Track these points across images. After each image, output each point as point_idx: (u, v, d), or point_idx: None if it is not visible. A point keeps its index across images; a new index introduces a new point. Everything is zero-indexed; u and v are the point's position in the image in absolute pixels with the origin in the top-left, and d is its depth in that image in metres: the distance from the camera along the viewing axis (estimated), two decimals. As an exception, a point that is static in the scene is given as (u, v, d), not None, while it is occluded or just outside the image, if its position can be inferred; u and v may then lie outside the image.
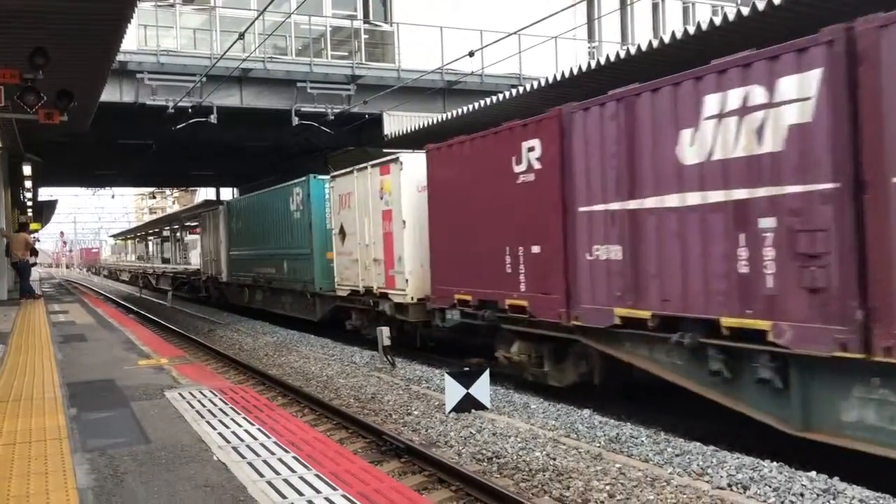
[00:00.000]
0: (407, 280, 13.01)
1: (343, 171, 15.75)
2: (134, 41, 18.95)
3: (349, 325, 15.98)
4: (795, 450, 7.16)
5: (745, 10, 9.66)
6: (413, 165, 13.09)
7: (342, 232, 15.71)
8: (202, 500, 4.30)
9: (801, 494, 5.95)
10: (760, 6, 9.43)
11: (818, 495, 5.91)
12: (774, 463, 6.72)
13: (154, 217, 76.23)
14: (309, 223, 17.57)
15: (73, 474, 4.77)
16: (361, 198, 14.74)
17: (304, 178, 17.89)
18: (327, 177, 17.12)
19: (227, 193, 45.02)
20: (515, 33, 15.83)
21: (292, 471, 4.80)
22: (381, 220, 13.93)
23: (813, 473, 6.41)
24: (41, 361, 9.45)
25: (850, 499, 5.79)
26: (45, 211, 46.03)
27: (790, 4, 9.13)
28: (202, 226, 28.09)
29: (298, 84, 20.10)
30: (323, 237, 17.09)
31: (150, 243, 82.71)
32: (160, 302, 31.28)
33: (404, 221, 13.03)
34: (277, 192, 20.07)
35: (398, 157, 13.29)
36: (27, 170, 21.30)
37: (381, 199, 13.86)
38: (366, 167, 14.49)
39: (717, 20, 10.15)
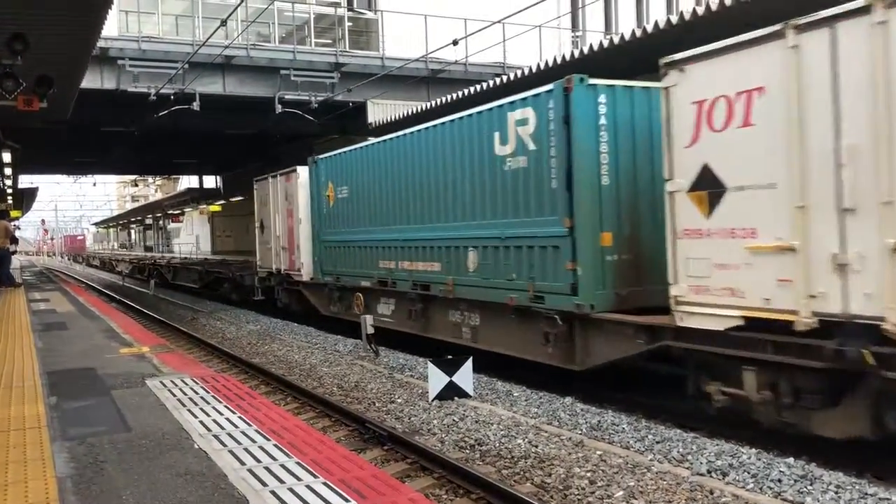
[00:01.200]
0: None
1: (721, 44, 6.93)
2: (115, 27, 18.75)
3: (719, 400, 7.29)
4: (774, 437, 7.25)
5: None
6: None
7: (705, 182, 7.16)
8: (183, 488, 4.29)
9: (779, 480, 6.02)
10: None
11: (796, 481, 5.99)
12: (753, 449, 6.80)
13: (141, 203, 75.01)
14: (566, 175, 9.04)
15: (53, 463, 4.75)
16: (821, 95, 6.11)
17: (549, 87, 9.24)
18: (619, 82, 9.16)
19: (209, 181, 44.85)
20: (499, 22, 15.78)
21: (273, 459, 4.81)
22: None
23: (791, 459, 6.49)
24: (21, 350, 9.38)
25: (827, 484, 5.87)
26: (25, 198, 45.53)
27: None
28: (259, 199, 20.24)
29: (282, 72, 19.94)
30: (595, 203, 8.93)
31: (147, 231, 79.29)
32: (143, 290, 31.11)
33: None
34: (460, 125, 11.19)
35: None
36: (6, 157, 21.05)
37: None
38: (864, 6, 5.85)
39: (700, 9, 10.16)
